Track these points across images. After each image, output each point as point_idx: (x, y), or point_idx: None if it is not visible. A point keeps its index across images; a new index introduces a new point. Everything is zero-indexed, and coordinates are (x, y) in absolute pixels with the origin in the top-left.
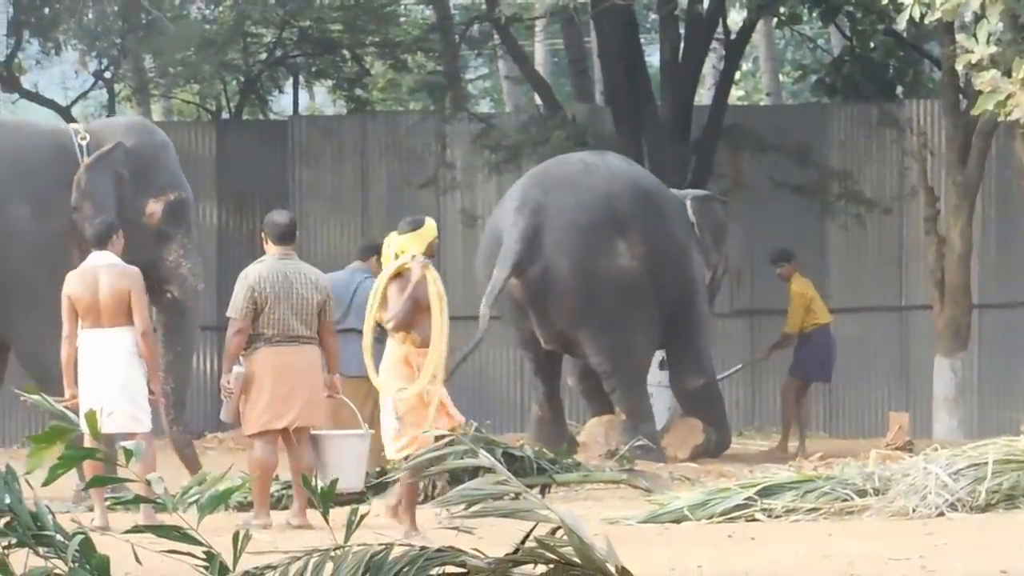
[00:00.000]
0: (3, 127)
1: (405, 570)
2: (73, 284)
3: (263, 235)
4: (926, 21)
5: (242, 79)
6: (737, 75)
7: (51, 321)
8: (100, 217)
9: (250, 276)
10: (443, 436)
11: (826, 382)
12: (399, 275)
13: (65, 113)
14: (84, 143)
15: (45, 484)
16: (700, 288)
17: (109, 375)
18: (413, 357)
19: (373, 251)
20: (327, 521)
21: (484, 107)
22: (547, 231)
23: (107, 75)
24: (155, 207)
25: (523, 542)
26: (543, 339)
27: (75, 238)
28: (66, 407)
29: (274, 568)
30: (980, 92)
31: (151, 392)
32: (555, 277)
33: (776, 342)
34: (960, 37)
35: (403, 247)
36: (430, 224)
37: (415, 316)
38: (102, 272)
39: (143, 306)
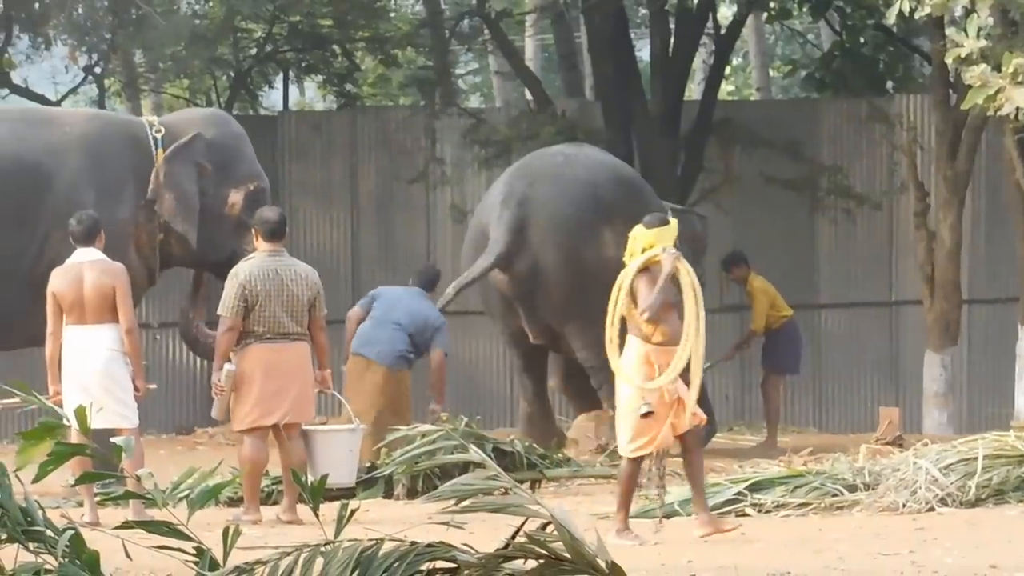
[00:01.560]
0: (79, 116)
1: (395, 565)
2: (58, 281)
3: (253, 231)
4: (916, 16)
5: (232, 74)
6: (727, 70)
7: None
8: (86, 212)
9: (240, 274)
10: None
11: (796, 374)
12: (647, 269)
13: None
14: (159, 135)
15: (35, 481)
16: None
17: (93, 372)
18: (654, 355)
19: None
20: (317, 516)
21: (474, 102)
22: (533, 223)
23: (97, 70)
24: (236, 197)
25: (513, 537)
26: (532, 334)
27: (135, 230)
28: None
29: (264, 563)
30: (970, 86)
31: (136, 389)
32: (543, 270)
33: (740, 341)
34: (950, 31)
35: (651, 241)
36: (675, 221)
37: (663, 310)
38: (86, 268)
39: (128, 303)
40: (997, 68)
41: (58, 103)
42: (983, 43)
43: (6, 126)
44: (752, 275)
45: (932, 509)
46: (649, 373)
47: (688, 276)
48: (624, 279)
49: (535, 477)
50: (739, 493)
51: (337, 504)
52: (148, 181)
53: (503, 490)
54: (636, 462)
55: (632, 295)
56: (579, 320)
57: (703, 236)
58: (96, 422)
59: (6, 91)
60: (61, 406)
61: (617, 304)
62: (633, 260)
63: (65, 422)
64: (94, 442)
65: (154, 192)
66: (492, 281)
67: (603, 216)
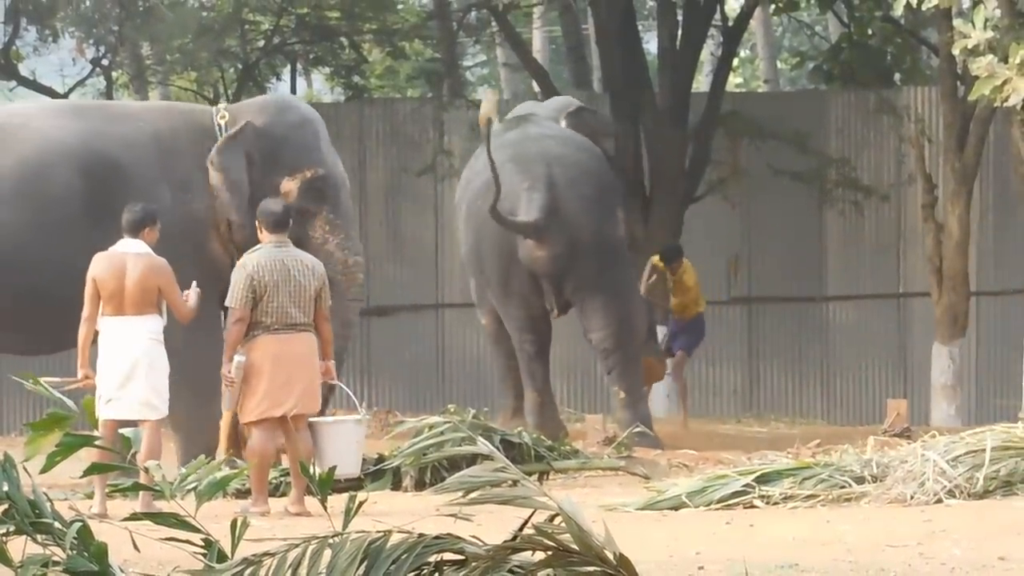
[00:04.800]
0: (153, 110)
1: (403, 557)
2: (99, 267)
3: (257, 223)
4: (923, 7)
5: (240, 66)
6: (735, 62)
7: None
8: (139, 204)
9: (248, 265)
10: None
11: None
12: None
13: None
14: (223, 122)
15: (43, 471)
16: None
17: (130, 360)
18: None
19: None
20: (325, 508)
21: (482, 94)
22: (564, 206)
23: (104, 62)
24: (290, 185)
25: (521, 529)
26: (557, 309)
27: (213, 221)
28: (77, 388)
29: (272, 555)
30: (977, 78)
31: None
32: (577, 248)
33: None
34: (957, 23)
35: None
36: None
37: None
38: (131, 260)
39: (178, 299)
40: (1004, 59)
41: (65, 95)
42: (990, 34)
43: (85, 121)
44: (687, 266)
45: (940, 501)
46: None
47: None
48: None
49: (543, 469)
50: (747, 485)
51: (345, 496)
52: None
53: (511, 482)
54: None
55: None
56: (604, 296)
57: (599, 128)
58: (122, 412)
59: (14, 83)
60: (92, 391)
61: None
62: None
63: (77, 413)
64: (119, 433)
65: (213, 180)
66: (524, 260)
67: (612, 195)
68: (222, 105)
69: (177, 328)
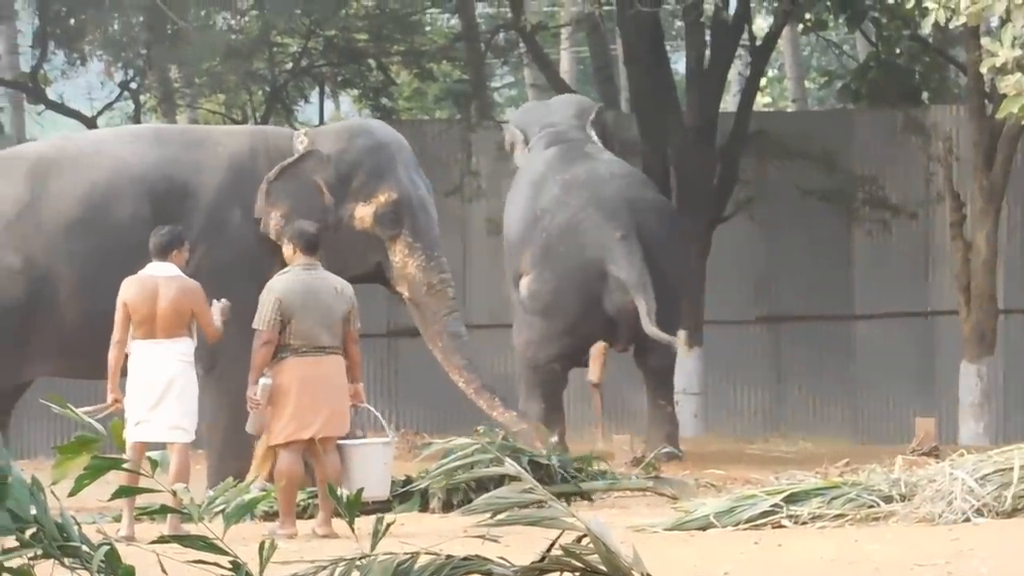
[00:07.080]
0: (234, 133)
1: None
2: (130, 291)
3: (292, 244)
4: (951, 26)
5: (268, 89)
6: (763, 81)
7: (236, 322)
8: (166, 227)
9: (276, 287)
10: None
11: None
12: None
13: (90, 124)
14: (301, 146)
15: (71, 495)
16: None
17: (163, 383)
18: None
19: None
20: (353, 530)
21: (509, 115)
22: (655, 258)
23: (133, 86)
24: (364, 211)
25: (549, 550)
26: (623, 343)
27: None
28: (108, 414)
29: None
30: (1005, 96)
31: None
32: (663, 297)
33: None
34: (985, 41)
35: None
36: None
37: None
38: (162, 284)
39: (209, 317)
40: None
41: (93, 119)
42: (1018, 52)
43: (162, 147)
44: None
45: (968, 520)
46: None
47: None
48: None
49: (571, 490)
50: (775, 505)
51: (372, 518)
52: None
53: (538, 503)
54: None
55: None
56: (667, 329)
57: (613, 129)
58: (152, 435)
59: (42, 107)
60: (120, 415)
61: None
62: None
63: (104, 436)
64: (148, 456)
65: (259, 210)
66: (612, 309)
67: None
68: (304, 129)
69: (227, 349)
